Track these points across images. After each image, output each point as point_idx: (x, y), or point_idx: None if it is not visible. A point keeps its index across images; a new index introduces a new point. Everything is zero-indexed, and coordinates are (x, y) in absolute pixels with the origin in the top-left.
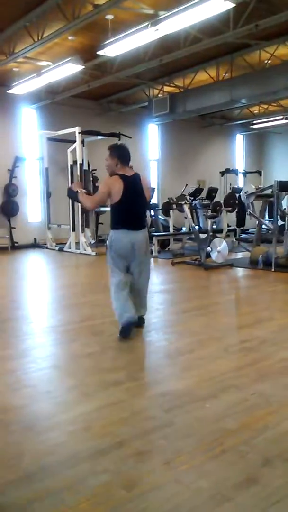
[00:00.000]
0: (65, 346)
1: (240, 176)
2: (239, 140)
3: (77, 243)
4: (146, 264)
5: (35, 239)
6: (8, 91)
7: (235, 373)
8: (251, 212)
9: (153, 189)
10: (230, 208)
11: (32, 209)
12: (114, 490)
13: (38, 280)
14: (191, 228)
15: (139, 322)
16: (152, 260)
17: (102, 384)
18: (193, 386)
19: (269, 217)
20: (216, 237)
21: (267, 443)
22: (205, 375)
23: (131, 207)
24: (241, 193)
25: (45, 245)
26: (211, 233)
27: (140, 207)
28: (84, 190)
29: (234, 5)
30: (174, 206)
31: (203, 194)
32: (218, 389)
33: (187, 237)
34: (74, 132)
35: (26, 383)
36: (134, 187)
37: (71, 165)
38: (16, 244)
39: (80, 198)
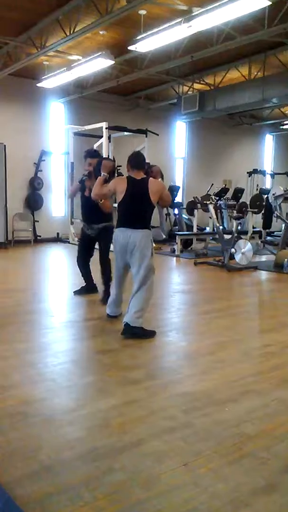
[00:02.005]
0: (85, 341)
1: (268, 177)
2: (268, 141)
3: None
4: (142, 266)
5: (57, 233)
6: (37, 85)
7: (256, 377)
8: (278, 214)
9: (178, 187)
10: (256, 210)
11: (56, 203)
12: (131, 489)
13: (59, 274)
14: (215, 228)
15: (125, 329)
16: (174, 259)
17: (121, 382)
18: (212, 388)
19: None
20: (241, 238)
21: (287, 451)
22: (225, 378)
23: (131, 207)
24: (268, 195)
25: (67, 240)
26: (235, 234)
27: (140, 208)
28: (106, 175)
29: (270, 3)
30: (199, 205)
31: (229, 194)
32: (238, 393)
33: (211, 237)
34: (101, 127)
35: (46, 377)
36: (138, 189)
37: None
38: (38, 238)
39: (97, 179)
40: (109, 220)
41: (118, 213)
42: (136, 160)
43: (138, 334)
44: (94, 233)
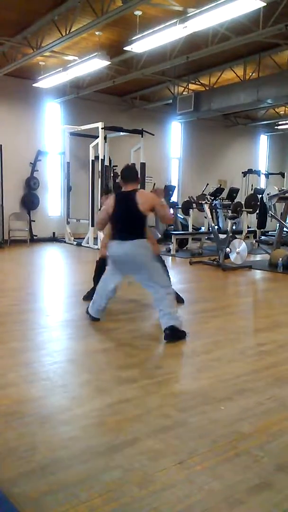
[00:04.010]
0: (81, 340)
1: (263, 177)
2: (263, 141)
3: (95, 239)
4: (147, 273)
5: (53, 233)
6: (33, 85)
7: (251, 376)
8: (272, 214)
9: (173, 187)
10: (251, 209)
11: (52, 203)
12: (127, 487)
13: (55, 273)
14: (210, 228)
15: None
16: (169, 259)
17: (117, 380)
18: (208, 387)
19: None
20: (236, 238)
21: (282, 449)
22: (220, 377)
23: (119, 220)
24: (263, 195)
25: (64, 239)
26: (230, 234)
27: (128, 220)
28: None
29: (264, 4)
30: (194, 205)
31: (224, 194)
32: (234, 392)
33: (206, 237)
34: (97, 127)
35: (41, 376)
36: (125, 202)
37: (92, 160)
38: (35, 237)
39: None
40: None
41: (111, 226)
42: (126, 172)
43: (181, 336)
44: None
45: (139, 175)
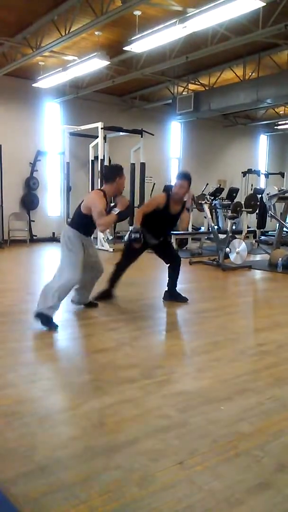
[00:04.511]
0: (81, 340)
1: (262, 177)
2: (263, 141)
3: (95, 239)
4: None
5: (53, 233)
6: (33, 85)
7: (251, 376)
8: (272, 214)
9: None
10: (250, 209)
11: (52, 203)
12: (127, 487)
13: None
14: (210, 228)
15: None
16: None
17: (117, 381)
18: (208, 387)
19: None
20: (235, 238)
21: (282, 449)
22: (220, 377)
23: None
24: (263, 195)
25: None
26: (230, 234)
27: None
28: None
29: (264, 4)
30: (194, 205)
31: (224, 194)
32: (234, 392)
33: (206, 237)
34: (97, 127)
35: (41, 376)
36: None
37: (92, 160)
38: (34, 237)
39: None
40: None
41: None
42: (105, 172)
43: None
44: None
45: (113, 176)
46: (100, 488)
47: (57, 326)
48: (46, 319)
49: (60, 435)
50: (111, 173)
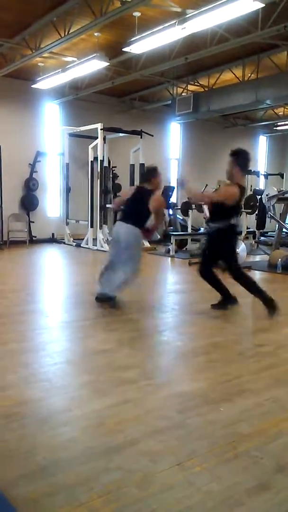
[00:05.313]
0: (80, 341)
1: (262, 178)
2: (262, 142)
3: (95, 240)
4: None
5: (53, 234)
6: (32, 86)
7: (250, 377)
8: (272, 215)
9: (173, 188)
10: (250, 210)
11: (51, 204)
12: (126, 488)
13: (54, 275)
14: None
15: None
16: (168, 259)
17: (116, 382)
18: (207, 388)
19: None
20: None
21: (281, 450)
22: (219, 378)
23: (126, 207)
24: (262, 196)
25: (63, 240)
26: None
27: (133, 209)
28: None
29: (263, 5)
30: (193, 206)
31: None
32: (233, 393)
33: (205, 238)
34: (96, 128)
35: (41, 377)
36: (137, 195)
37: (91, 161)
38: (34, 238)
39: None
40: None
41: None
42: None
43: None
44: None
45: (155, 175)
46: (100, 489)
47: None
48: (110, 298)
49: (60, 436)
50: (147, 174)
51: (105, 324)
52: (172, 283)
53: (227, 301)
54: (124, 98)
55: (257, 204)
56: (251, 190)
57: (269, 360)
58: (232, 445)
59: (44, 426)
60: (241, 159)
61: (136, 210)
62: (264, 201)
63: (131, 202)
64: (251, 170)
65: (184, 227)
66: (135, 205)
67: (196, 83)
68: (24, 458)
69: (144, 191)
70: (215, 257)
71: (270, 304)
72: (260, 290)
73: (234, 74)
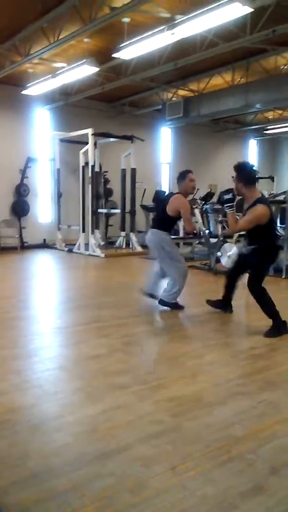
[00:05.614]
0: (73, 347)
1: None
2: (252, 145)
3: (87, 245)
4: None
5: (44, 240)
6: (22, 92)
7: (243, 380)
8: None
9: (164, 192)
10: (241, 214)
11: (43, 210)
12: (120, 494)
13: (46, 280)
14: (201, 233)
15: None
16: None
17: (109, 387)
18: (200, 392)
19: (280, 224)
20: (227, 242)
21: (275, 452)
22: (213, 381)
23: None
24: None
25: (55, 246)
26: (221, 238)
27: (155, 215)
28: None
29: (252, 10)
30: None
31: (215, 198)
32: (226, 396)
33: (197, 241)
34: (87, 133)
35: (33, 383)
36: (158, 201)
37: (82, 166)
38: (25, 244)
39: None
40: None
41: None
42: (178, 176)
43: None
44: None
45: (182, 179)
46: (93, 495)
47: (183, 306)
48: (174, 304)
49: (52, 442)
50: (178, 178)
51: (98, 330)
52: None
53: (224, 305)
54: (115, 103)
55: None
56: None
57: (262, 363)
58: (226, 448)
59: (36, 432)
60: (241, 173)
61: (157, 215)
62: None
63: (155, 208)
64: (257, 179)
65: (176, 231)
66: (156, 210)
67: (186, 88)
68: (16, 465)
69: (167, 195)
70: (257, 272)
71: (277, 327)
72: (272, 315)
73: (223, 78)
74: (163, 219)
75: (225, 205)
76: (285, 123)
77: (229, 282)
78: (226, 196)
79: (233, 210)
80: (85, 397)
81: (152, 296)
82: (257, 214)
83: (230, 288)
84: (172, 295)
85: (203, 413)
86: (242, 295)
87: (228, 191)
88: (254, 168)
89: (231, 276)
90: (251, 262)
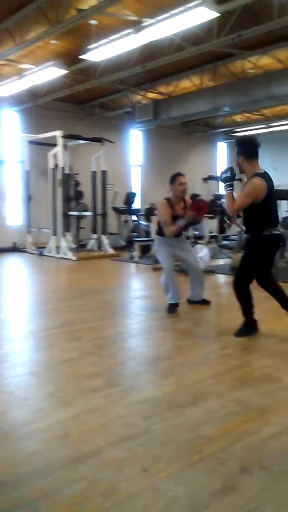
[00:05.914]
0: (44, 352)
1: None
2: (222, 148)
3: (58, 248)
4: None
5: (14, 243)
6: None
7: (214, 380)
8: (231, 219)
9: (135, 194)
10: (211, 215)
11: (12, 213)
12: (91, 499)
13: (17, 284)
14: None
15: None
16: (132, 265)
17: (80, 391)
18: (172, 393)
19: None
20: (198, 243)
21: (245, 451)
22: (184, 382)
23: None
24: (222, 200)
25: (25, 249)
26: (192, 240)
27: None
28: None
29: (218, 14)
30: (156, 211)
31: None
32: (197, 396)
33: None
34: (56, 136)
35: (2, 390)
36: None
37: (52, 168)
38: None
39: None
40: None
41: None
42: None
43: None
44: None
45: (172, 183)
46: (63, 502)
47: (208, 301)
48: (202, 301)
49: (21, 450)
50: (169, 182)
51: (70, 333)
52: (137, 289)
53: (249, 325)
54: (84, 105)
55: (218, 208)
56: (212, 195)
57: (233, 362)
58: (197, 449)
59: (6, 440)
60: (241, 145)
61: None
62: (224, 206)
63: None
64: (212, 176)
65: (147, 233)
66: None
67: (155, 91)
68: None
69: (160, 201)
70: (262, 267)
71: (248, 327)
72: (249, 314)
73: (192, 82)
74: (158, 224)
75: (224, 184)
76: (252, 125)
77: (271, 290)
78: (224, 175)
79: (231, 189)
80: (56, 402)
81: (203, 301)
82: (254, 186)
83: (248, 303)
84: (203, 288)
85: (174, 414)
86: (211, 297)
87: (227, 170)
88: (257, 140)
89: (267, 286)
90: (244, 254)
